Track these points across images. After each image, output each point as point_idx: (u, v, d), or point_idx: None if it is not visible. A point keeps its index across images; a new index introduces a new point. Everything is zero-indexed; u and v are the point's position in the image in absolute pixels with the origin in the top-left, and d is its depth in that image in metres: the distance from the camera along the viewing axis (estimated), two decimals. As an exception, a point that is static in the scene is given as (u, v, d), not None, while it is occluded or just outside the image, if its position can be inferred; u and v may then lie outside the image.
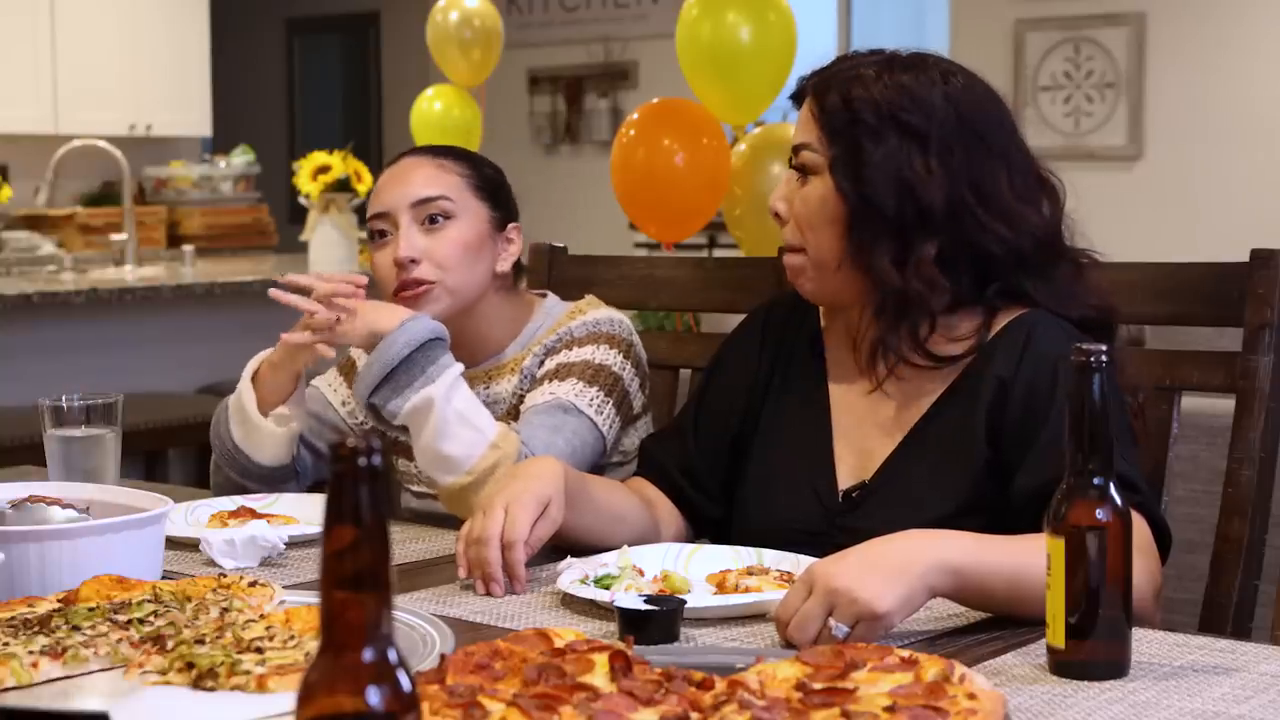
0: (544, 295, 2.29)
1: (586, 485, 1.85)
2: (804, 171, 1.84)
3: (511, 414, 2.18)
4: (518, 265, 2.27)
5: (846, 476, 1.87)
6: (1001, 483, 1.75)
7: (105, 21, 7.50)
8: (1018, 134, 1.85)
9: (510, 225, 2.23)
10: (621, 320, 2.22)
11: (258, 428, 2.17)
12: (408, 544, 1.98)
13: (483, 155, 2.30)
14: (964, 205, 1.77)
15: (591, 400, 2.11)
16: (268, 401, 2.18)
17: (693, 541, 1.96)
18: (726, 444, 1.97)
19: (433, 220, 2.15)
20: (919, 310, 1.79)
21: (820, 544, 1.70)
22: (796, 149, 1.85)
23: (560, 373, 2.13)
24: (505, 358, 2.21)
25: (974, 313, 1.82)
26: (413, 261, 2.13)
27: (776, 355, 1.98)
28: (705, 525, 2.00)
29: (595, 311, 2.22)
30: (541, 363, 2.17)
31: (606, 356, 2.15)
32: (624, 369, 2.16)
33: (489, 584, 1.71)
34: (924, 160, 1.77)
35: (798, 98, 1.89)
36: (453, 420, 1.98)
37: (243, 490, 2.22)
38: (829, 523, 1.84)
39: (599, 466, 2.14)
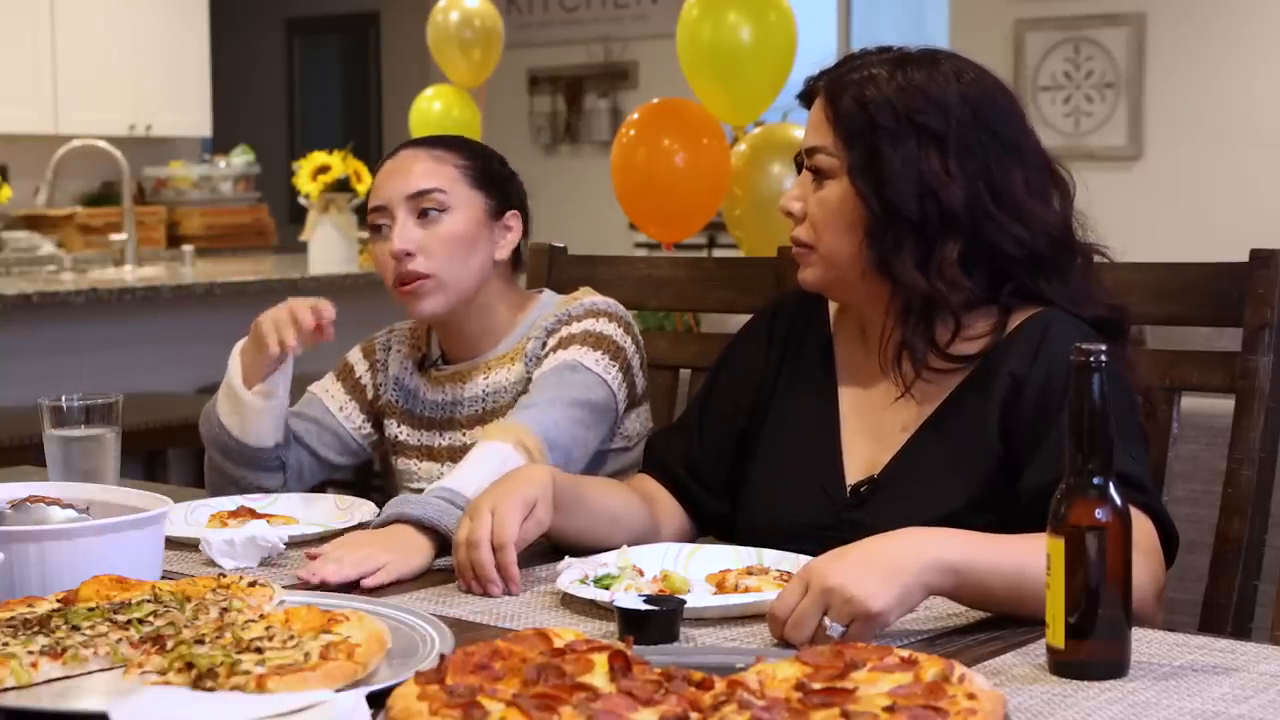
0: (541, 291, 2.31)
1: (579, 487, 1.85)
2: (819, 175, 1.84)
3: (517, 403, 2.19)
4: (517, 257, 2.27)
5: (855, 472, 1.87)
6: (1011, 480, 1.75)
7: (105, 21, 7.50)
8: (1029, 126, 1.85)
9: (508, 213, 2.24)
10: (616, 303, 2.24)
11: (243, 401, 2.18)
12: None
13: (483, 144, 2.30)
14: (981, 206, 1.77)
15: (597, 360, 2.13)
16: (251, 377, 2.20)
17: (695, 538, 1.97)
18: (733, 440, 1.98)
19: (428, 213, 2.16)
20: (943, 312, 1.79)
21: (827, 539, 1.69)
22: (810, 151, 1.84)
23: (563, 343, 2.16)
24: (506, 347, 2.23)
25: (989, 312, 1.82)
26: (408, 254, 2.15)
27: (784, 352, 1.98)
28: (709, 522, 2.00)
29: (591, 297, 2.24)
30: (544, 344, 2.19)
31: (607, 328, 2.18)
32: (625, 342, 2.18)
33: (485, 585, 1.71)
34: (943, 161, 1.77)
35: (806, 98, 1.89)
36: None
37: (235, 483, 2.23)
38: (837, 518, 1.83)
39: (601, 453, 2.15)
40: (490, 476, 1.86)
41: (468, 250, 2.18)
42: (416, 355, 2.31)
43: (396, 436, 2.30)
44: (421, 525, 1.84)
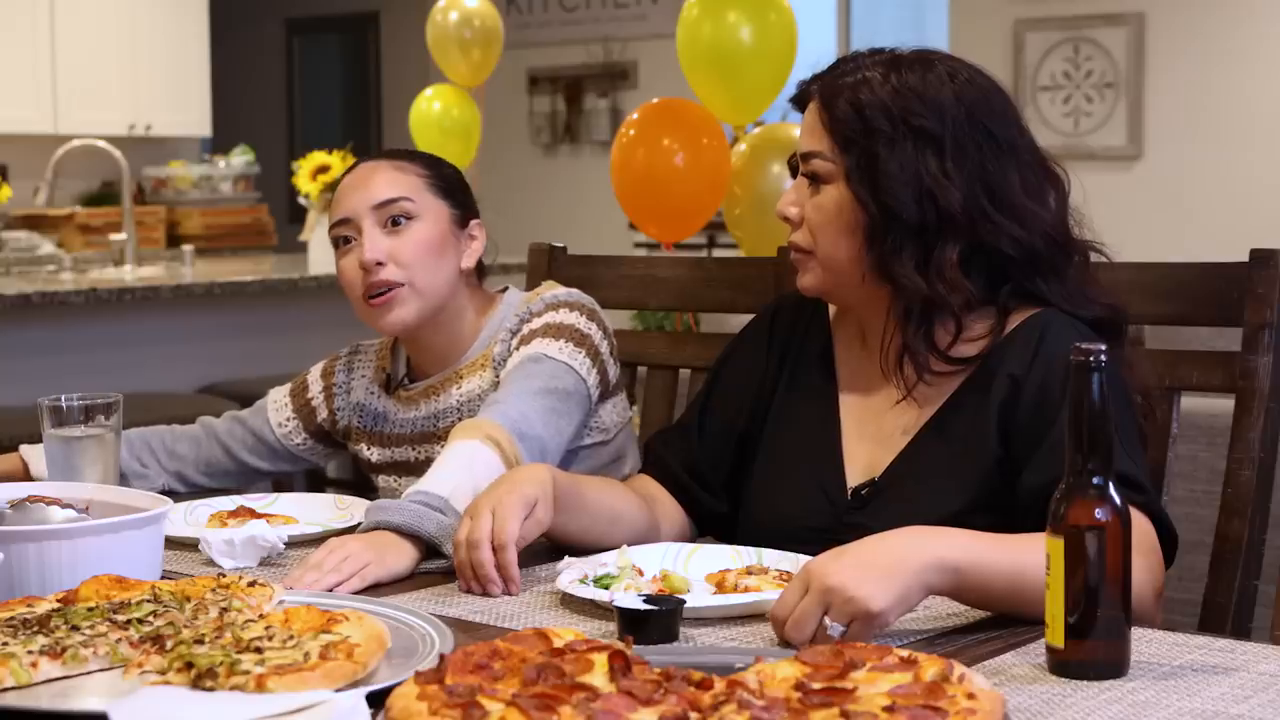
0: (505, 290, 2.30)
1: (578, 487, 1.85)
2: (815, 179, 1.84)
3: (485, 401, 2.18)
4: (480, 263, 2.26)
5: (855, 474, 1.87)
6: (1011, 481, 1.75)
7: (105, 21, 7.50)
8: (1023, 125, 1.85)
9: (472, 222, 2.24)
10: (580, 293, 2.23)
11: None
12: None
13: (438, 156, 2.31)
14: (978, 207, 1.77)
15: (560, 349, 2.12)
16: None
17: (695, 539, 1.96)
18: (733, 441, 1.97)
19: (395, 222, 2.16)
20: (944, 314, 1.79)
21: (828, 542, 1.69)
22: (805, 156, 1.84)
23: (525, 340, 2.15)
24: (474, 354, 2.22)
25: (988, 313, 1.82)
26: (378, 264, 2.14)
27: (785, 353, 1.97)
28: (710, 522, 2.00)
29: (552, 290, 2.23)
30: (509, 347, 2.18)
31: (568, 317, 2.16)
32: (590, 329, 2.16)
33: (485, 585, 1.71)
34: (940, 163, 1.77)
35: (799, 102, 1.88)
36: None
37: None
38: (837, 520, 1.83)
39: (577, 449, 2.15)
40: (462, 474, 1.87)
41: (438, 258, 2.17)
42: (381, 377, 2.30)
43: (369, 459, 2.29)
44: (402, 531, 1.83)
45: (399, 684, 1.26)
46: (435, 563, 1.83)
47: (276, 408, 2.34)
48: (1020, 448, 1.75)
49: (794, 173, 1.88)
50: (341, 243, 2.19)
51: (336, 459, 2.46)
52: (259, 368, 4.99)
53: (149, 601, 1.51)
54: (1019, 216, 1.78)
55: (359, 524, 1.91)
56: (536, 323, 2.16)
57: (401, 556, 1.81)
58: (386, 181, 2.18)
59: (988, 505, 1.75)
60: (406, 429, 2.25)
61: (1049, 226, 1.80)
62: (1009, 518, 1.69)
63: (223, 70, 8.43)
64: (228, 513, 2.09)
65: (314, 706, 1.23)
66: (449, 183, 2.23)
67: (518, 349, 2.14)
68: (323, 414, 2.33)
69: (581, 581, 1.67)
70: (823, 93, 1.83)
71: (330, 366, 2.35)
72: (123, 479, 2.23)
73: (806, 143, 1.84)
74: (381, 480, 2.29)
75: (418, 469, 2.20)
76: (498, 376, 2.17)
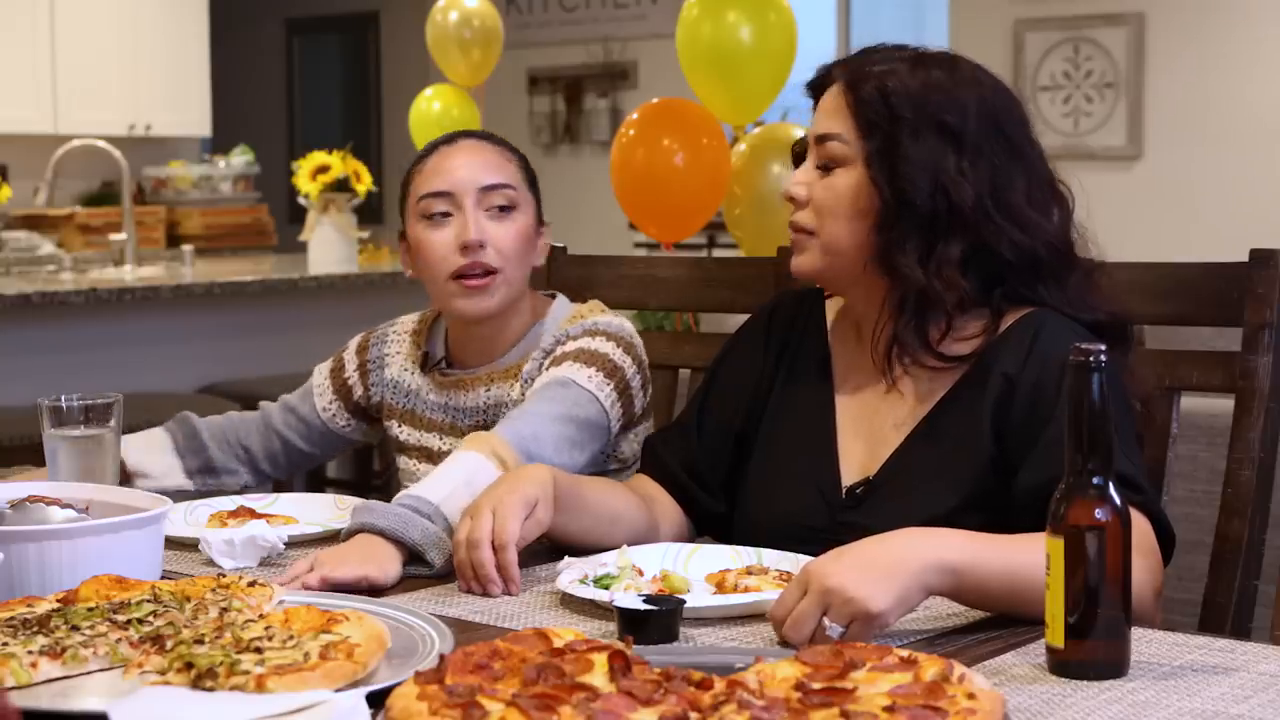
0: (552, 296, 2.29)
1: (579, 487, 1.85)
2: (829, 163, 1.83)
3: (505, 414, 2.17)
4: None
5: (851, 473, 1.87)
6: (1005, 480, 1.75)
7: (105, 21, 7.50)
8: (1035, 138, 1.86)
9: (543, 224, 2.25)
10: (622, 323, 2.20)
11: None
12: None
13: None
14: (984, 209, 1.77)
15: (590, 377, 2.10)
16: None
17: (693, 538, 1.96)
18: (731, 441, 1.98)
19: (502, 209, 2.15)
20: (937, 310, 1.79)
21: (824, 540, 1.70)
22: (821, 138, 1.84)
23: (556, 361, 2.14)
24: (508, 362, 2.21)
25: (982, 313, 1.82)
26: (481, 245, 2.12)
27: (782, 352, 1.98)
28: (708, 522, 2.00)
29: (596, 316, 2.21)
30: (540, 366, 2.17)
31: (603, 346, 2.14)
32: (624, 361, 2.14)
33: (485, 585, 1.71)
34: (958, 160, 1.78)
35: (817, 86, 1.88)
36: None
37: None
38: (833, 519, 1.84)
39: (593, 475, 2.13)
40: (458, 485, 1.86)
41: (527, 252, 2.18)
42: (417, 354, 2.30)
43: (398, 436, 2.29)
44: (385, 535, 1.82)
45: (399, 684, 1.26)
46: (419, 569, 1.82)
47: (320, 391, 2.34)
48: (1015, 447, 1.75)
49: (797, 161, 1.88)
50: (439, 216, 2.15)
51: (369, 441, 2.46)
52: (259, 368, 4.99)
53: (149, 601, 1.51)
54: (1021, 223, 1.79)
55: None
56: (570, 346, 2.14)
57: (393, 560, 1.80)
58: (494, 165, 2.16)
59: (981, 504, 1.75)
60: (435, 414, 2.25)
61: (1051, 236, 1.81)
62: (1002, 516, 1.69)
63: (223, 70, 8.43)
64: (228, 513, 2.09)
65: (314, 706, 1.23)
66: (534, 179, 2.24)
67: (548, 369, 2.13)
68: (359, 391, 2.32)
69: (581, 581, 1.67)
70: (849, 77, 1.84)
71: (365, 341, 2.34)
72: (212, 472, 2.27)
73: (825, 125, 1.84)
74: (403, 462, 2.29)
75: (437, 459, 2.20)
76: (523, 393, 2.16)
